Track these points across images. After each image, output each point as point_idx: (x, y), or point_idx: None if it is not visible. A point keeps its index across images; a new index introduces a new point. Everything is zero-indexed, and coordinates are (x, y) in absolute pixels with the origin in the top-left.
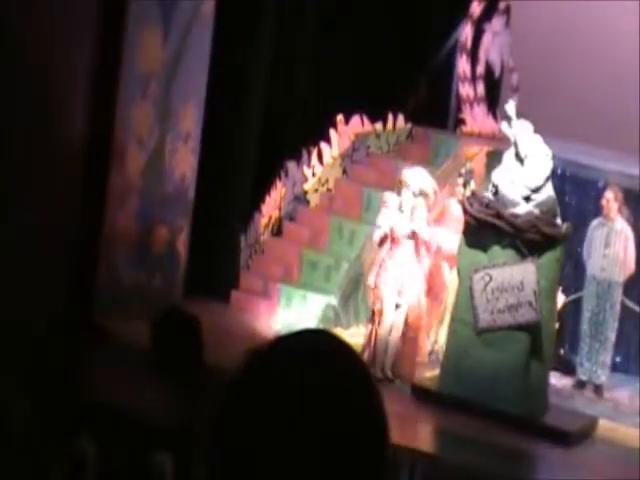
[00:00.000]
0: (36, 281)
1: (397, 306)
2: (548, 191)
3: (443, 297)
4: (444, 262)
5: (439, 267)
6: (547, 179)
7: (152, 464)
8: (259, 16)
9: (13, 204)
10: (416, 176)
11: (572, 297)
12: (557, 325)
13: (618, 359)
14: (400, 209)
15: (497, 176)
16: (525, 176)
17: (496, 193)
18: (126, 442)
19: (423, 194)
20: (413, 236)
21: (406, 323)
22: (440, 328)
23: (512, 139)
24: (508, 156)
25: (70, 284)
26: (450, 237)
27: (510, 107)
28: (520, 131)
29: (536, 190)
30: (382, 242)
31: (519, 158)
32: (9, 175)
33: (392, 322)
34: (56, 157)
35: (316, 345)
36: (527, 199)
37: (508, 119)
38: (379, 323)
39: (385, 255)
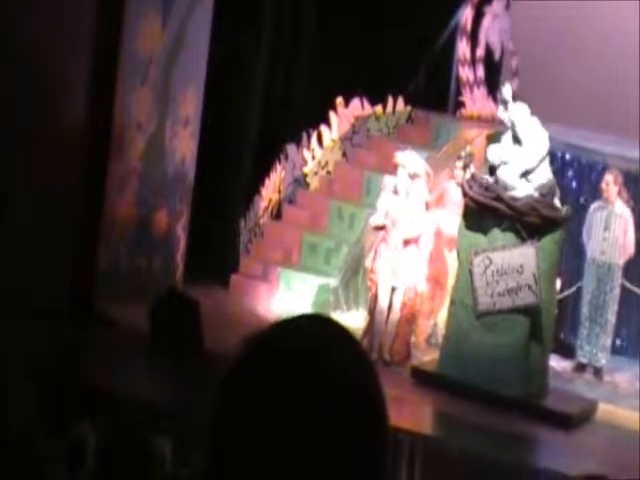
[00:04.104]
0: (37, 266)
1: (394, 289)
2: (547, 174)
3: (447, 281)
4: (445, 248)
5: (440, 252)
6: (541, 160)
7: (152, 448)
8: (259, 0)
9: (15, 190)
10: (409, 158)
11: (571, 290)
12: (556, 308)
13: (618, 342)
14: (395, 191)
15: (492, 156)
16: (521, 158)
17: (492, 173)
18: (126, 427)
19: (416, 175)
20: (406, 242)
21: (402, 305)
22: (440, 311)
23: (508, 123)
24: (506, 138)
25: (71, 268)
26: (450, 220)
27: (506, 90)
28: (516, 113)
29: (530, 171)
30: (378, 230)
31: (516, 140)
32: (11, 161)
33: (389, 305)
34: (57, 142)
35: (313, 330)
36: (525, 178)
37: (504, 103)
38: (375, 307)
39: (380, 239)
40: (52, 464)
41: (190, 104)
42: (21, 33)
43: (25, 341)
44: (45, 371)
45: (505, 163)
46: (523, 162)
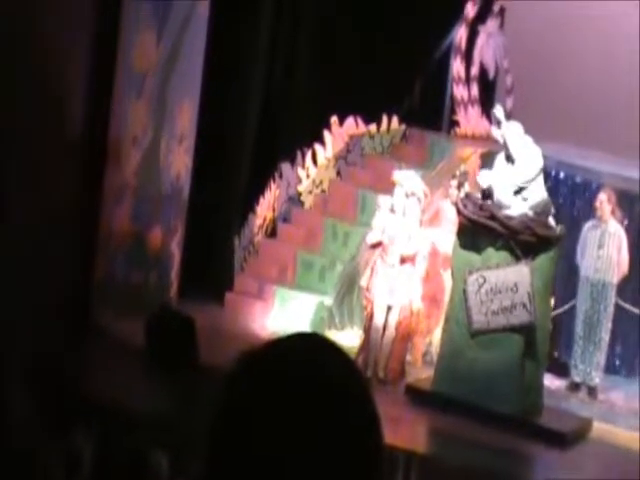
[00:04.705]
0: (34, 280)
1: (389, 308)
2: (542, 192)
3: (443, 300)
4: (441, 267)
5: (437, 271)
6: (534, 178)
7: (148, 462)
8: (255, 16)
9: (11, 203)
10: (408, 177)
11: (564, 308)
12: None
13: (612, 361)
14: (392, 210)
15: (486, 178)
16: (514, 175)
17: (485, 197)
18: (122, 439)
19: (414, 195)
20: (402, 260)
21: (397, 324)
22: (436, 330)
23: (501, 142)
24: (499, 159)
25: (67, 282)
26: (446, 239)
27: (498, 110)
28: (508, 133)
29: (524, 187)
30: (374, 247)
31: (509, 159)
32: (7, 174)
33: (384, 323)
34: (53, 155)
35: (308, 348)
36: (520, 196)
37: (497, 122)
38: (370, 325)
39: (377, 257)
40: (52, 468)
41: (185, 118)
42: (19, 46)
43: (23, 354)
44: (42, 383)
45: (501, 183)
46: (516, 180)
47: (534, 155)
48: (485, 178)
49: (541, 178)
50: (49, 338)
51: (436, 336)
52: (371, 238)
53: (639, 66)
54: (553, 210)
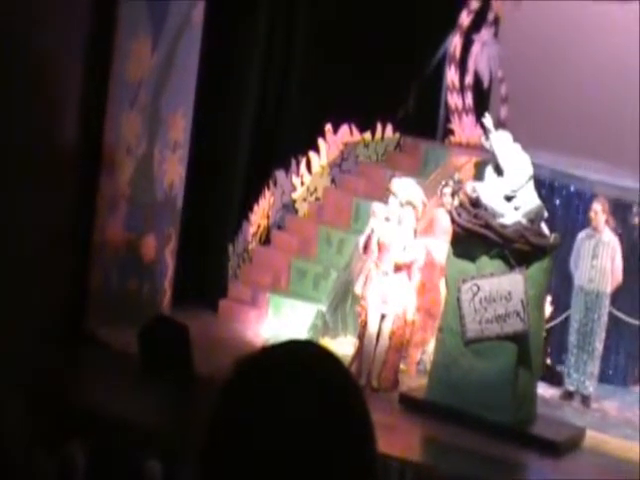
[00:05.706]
0: (28, 289)
1: (383, 316)
2: (535, 200)
3: (438, 312)
4: (438, 278)
5: (434, 283)
6: (525, 183)
7: (142, 471)
8: (250, 25)
9: (4, 213)
10: (404, 186)
11: (560, 319)
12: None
13: (606, 370)
14: (387, 218)
15: (474, 189)
16: (503, 185)
17: (475, 206)
18: (116, 448)
19: (410, 204)
20: (397, 269)
21: (391, 333)
22: (431, 340)
23: (491, 152)
24: (489, 169)
25: (62, 291)
26: (440, 248)
27: (487, 120)
28: (496, 142)
29: (513, 195)
30: (366, 248)
31: (498, 170)
32: (1, 183)
33: (378, 332)
34: (47, 164)
35: (302, 356)
36: (512, 205)
37: (486, 132)
38: (364, 333)
39: (371, 265)
40: (46, 476)
41: (179, 128)
42: (13, 57)
43: (17, 363)
44: (36, 392)
45: (494, 192)
46: (505, 189)
47: (523, 163)
48: (473, 189)
49: (531, 185)
50: (43, 347)
51: (430, 345)
52: (361, 241)
53: (639, 75)
54: (546, 214)
